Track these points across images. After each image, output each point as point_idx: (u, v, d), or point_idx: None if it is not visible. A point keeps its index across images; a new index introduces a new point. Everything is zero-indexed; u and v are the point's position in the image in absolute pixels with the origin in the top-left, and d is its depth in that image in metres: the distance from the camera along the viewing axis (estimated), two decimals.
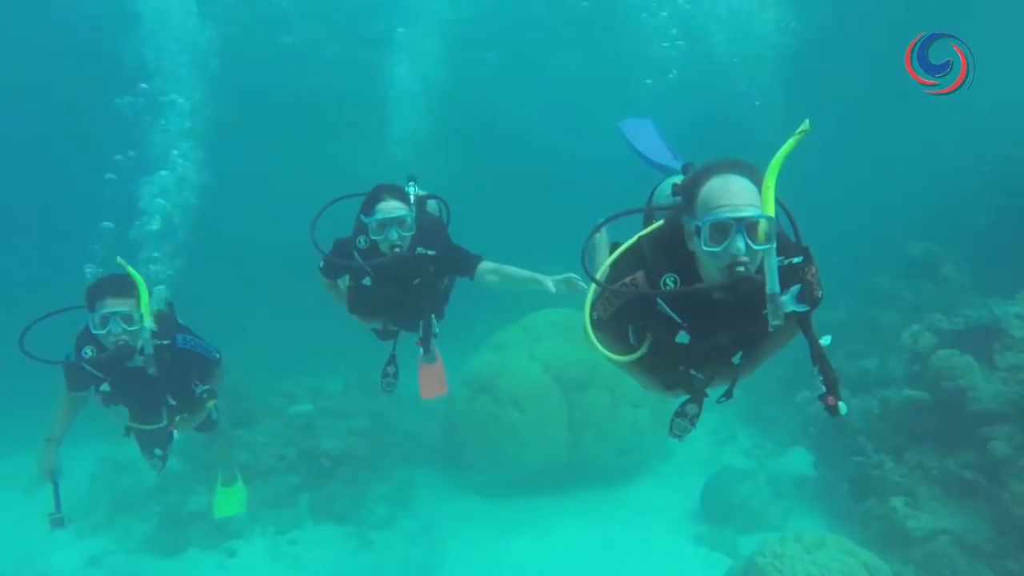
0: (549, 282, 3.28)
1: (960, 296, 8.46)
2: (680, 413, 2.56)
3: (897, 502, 5.62)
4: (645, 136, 3.53)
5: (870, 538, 5.72)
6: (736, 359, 2.36)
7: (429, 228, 3.52)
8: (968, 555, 5.11)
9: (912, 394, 6.32)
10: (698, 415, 2.55)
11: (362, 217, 3.38)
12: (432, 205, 3.82)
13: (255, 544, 7.16)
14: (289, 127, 15.26)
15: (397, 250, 3.30)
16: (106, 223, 5.80)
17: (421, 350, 3.88)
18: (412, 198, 3.47)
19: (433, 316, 3.79)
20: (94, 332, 3.26)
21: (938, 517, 5.35)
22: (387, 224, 3.27)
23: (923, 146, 15.34)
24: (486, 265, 3.62)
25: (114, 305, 3.23)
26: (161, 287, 4.15)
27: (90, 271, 4.29)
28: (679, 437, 2.60)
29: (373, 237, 3.32)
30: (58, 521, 3.68)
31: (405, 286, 3.52)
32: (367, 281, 3.48)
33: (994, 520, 5.17)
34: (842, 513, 6.60)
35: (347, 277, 3.69)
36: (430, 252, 3.48)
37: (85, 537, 7.38)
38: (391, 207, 3.29)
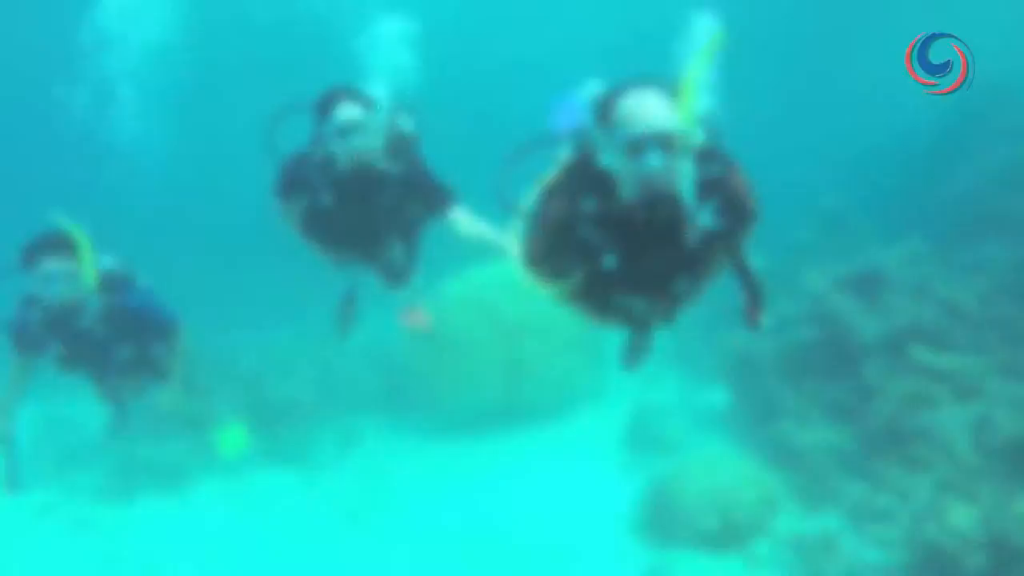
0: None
1: (862, 246, 9.28)
2: (631, 344, 2.53)
3: (788, 424, 6.44)
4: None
5: (768, 457, 6.52)
6: (677, 285, 2.31)
7: (397, 142, 3.10)
8: (840, 462, 6.02)
9: (808, 333, 7.12)
10: (648, 344, 2.51)
11: (317, 126, 2.97)
12: (406, 118, 3.27)
13: (207, 488, 7.46)
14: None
15: (362, 159, 2.90)
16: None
17: (403, 306, 3.63)
18: (379, 104, 3.01)
19: (406, 257, 3.41)
20: (35, 292, 3.16)
21: (821, 435, 6.21)
22: (346, 130, 2.86)
23: (846, 101, 16.11)
24: (463, 219, 3.19)
25: (54, 263, 3.11)
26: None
27: None
28: (631, 368, 2.58)
29: (331, 148, 2.91)
30: (13, 483, 3.75)
31: (367, 206, 3.08)
32: (326, 200, 3.05)
33: (862, 432, 6.09)
34: (748, 439, 7.42)
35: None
36: (393, 171, 3.05)
37: (33, 491, 7.47)
38: (349, 111, 2.87)
